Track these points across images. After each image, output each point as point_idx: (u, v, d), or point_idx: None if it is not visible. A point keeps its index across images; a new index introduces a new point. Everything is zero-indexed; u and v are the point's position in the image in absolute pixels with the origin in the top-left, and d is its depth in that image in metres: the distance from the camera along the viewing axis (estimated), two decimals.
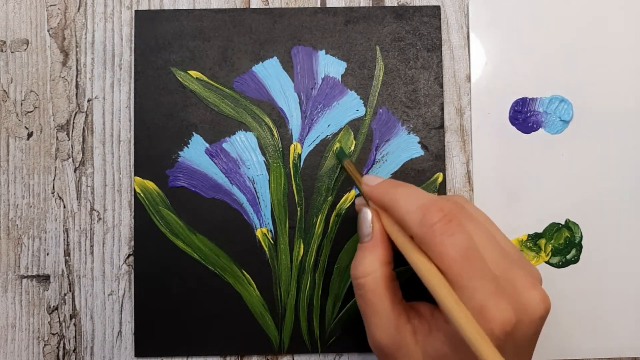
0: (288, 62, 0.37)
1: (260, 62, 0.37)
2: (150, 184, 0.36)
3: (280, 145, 0.36)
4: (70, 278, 0.36)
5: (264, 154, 0.36)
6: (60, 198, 0.36)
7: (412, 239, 0.27)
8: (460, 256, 0.25)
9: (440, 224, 0.25)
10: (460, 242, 0.25)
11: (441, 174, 0.36)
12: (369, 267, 0.28)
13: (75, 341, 0.36)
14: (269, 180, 0.36)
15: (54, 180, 0.37)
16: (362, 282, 0.28)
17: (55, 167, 0.37)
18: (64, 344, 0.36)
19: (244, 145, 0.36)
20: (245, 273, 0.36)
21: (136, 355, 0.36)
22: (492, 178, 0.37)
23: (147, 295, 0.36)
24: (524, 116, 0.37)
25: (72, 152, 0.37)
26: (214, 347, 0.36)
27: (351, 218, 0.36)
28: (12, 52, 0.37)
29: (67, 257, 0.36)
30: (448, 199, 0.29)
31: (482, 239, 0.27)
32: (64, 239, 0.36)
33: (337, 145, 0.36)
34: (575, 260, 0.37)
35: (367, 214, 0.29)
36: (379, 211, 0.29)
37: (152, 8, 0.37)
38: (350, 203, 0.36)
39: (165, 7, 0.37)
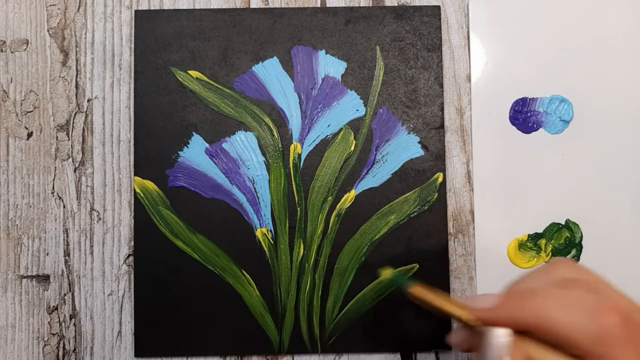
0: (288, 62, 0.37)
1: (260, 62, 0.37)
2: (150, 184, 0.36)
3: (280, 145, 0.36)
4: (70, 278, 0.36)
5: (264, 154, 0.36)
6: (60, 198, 0.36)
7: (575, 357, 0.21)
8: None
9: (619, 328, 0.20)
10: None
11: (441, 174, 0.36)
12: None
13: (75, 341, 0.36)
14: (269, 180, 0.36)
15: (53, 180, 0.37)
16: None
17: (55, 167, 0.37)
18: (63, 344, 0.36)
19: (244, 145, 0.36)
20: (245, 273, 0.36)
21: (136, 355, 0.36)
22: (492, 178, 0.37)
23: (147, 295, 0.36)
24: (524, 116, 0.37)
25: (72, 152, 0.37)
26: (214, 347, 0.36)
27: (351, 218, 0.36)
28: (12, 52, 0.37)
29: (67, 257, 0.36)
30: (591, 281, 0.23)
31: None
32: (64, 239, 0.36)
33: (387, 272, 0.29)
34: (575, 260, 0.37)
35: (501, 340, 0.21)
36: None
37: (152, 8, 0.37)
38: (350, 203, 0.36)
39: (165, 7, 0.37)
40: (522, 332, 0.21)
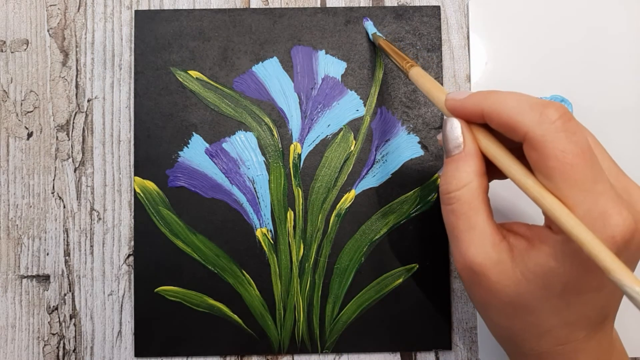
0: (288, 62, 0.37)
1: (260, 62, 0.37)
2: (150, 184, 0.36)
3: (280, 145, 0.36)
4: (70, 278, 0.36)
5: (264, 154, 0.36)
6: (60, 198, 0.36)
7: (510, 151, 0.25)
8: (583, 155, 0.23)
9: (560, 122, 0.24)
10: (582, 141, 0.23)
11: None
12: (465, 178, 0.26)
13: (75, 341, 0.36)
14: (269, 180, 0.36)
15: (54, 180, 0.37)
16: (457, 195, 0.26)
17: (55, 167, 0.37)
18: (64, 344, 0.36)
19: (243, 145, 0.36)
20: (245, 273, 0.36)
21: (136, 355, 0.36)
22: None
23: (147, 295, 0.36)
24: None
25: (72, 152, 0.37)
26: (214, 347, 0.36)
27: (351, 218, 0.36)
28: (12, 52, 0.37)
29: (67, 257, 0.36)
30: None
31: (595, 145, 0.26)
32: (64, 239, 0.36)
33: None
34: None
35: (455, 124, 0.27)
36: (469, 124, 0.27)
37: (152, 8, 0.37)
38: (350, 203, 0.36)
39: (165, 7, 0.37)
40: (480, 119, 0.26)
